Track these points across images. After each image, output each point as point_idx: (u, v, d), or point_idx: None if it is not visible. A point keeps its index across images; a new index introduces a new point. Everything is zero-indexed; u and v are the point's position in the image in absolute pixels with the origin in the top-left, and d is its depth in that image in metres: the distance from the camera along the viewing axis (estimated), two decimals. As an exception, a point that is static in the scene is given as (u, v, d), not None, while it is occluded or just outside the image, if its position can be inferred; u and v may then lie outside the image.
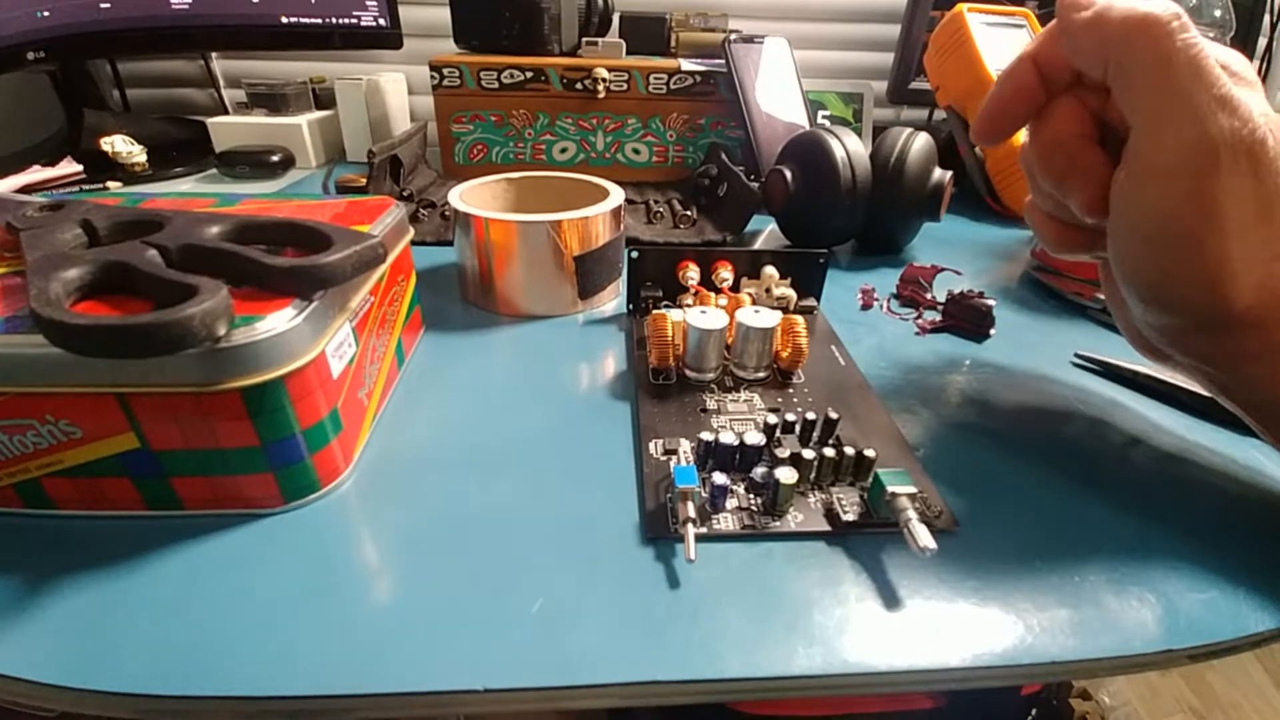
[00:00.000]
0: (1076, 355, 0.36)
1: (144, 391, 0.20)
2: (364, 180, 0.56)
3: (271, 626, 0.20)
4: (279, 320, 0.21)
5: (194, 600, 0.20)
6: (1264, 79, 0.88)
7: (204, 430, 0.21)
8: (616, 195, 0.40)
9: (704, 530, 0.23)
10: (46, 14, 0.59)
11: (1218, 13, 0.61)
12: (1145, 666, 0.21)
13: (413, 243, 0.48)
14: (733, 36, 0.61)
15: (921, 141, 0.46)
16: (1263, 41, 0.84)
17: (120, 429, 0.21)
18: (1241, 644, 0.21)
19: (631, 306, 0.39)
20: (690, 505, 0.22)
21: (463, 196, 0.40)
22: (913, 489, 0.22)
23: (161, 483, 0.22)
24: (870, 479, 0.24)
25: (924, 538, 0.21)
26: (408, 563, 0.22)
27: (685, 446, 0.26)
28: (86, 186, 0.60)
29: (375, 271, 0.27)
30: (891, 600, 0.21)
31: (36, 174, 0.59)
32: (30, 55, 0.58)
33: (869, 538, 0.23)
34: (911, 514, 0.22)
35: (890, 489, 0.22)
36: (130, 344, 0.18)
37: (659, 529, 0.23)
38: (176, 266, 0.23)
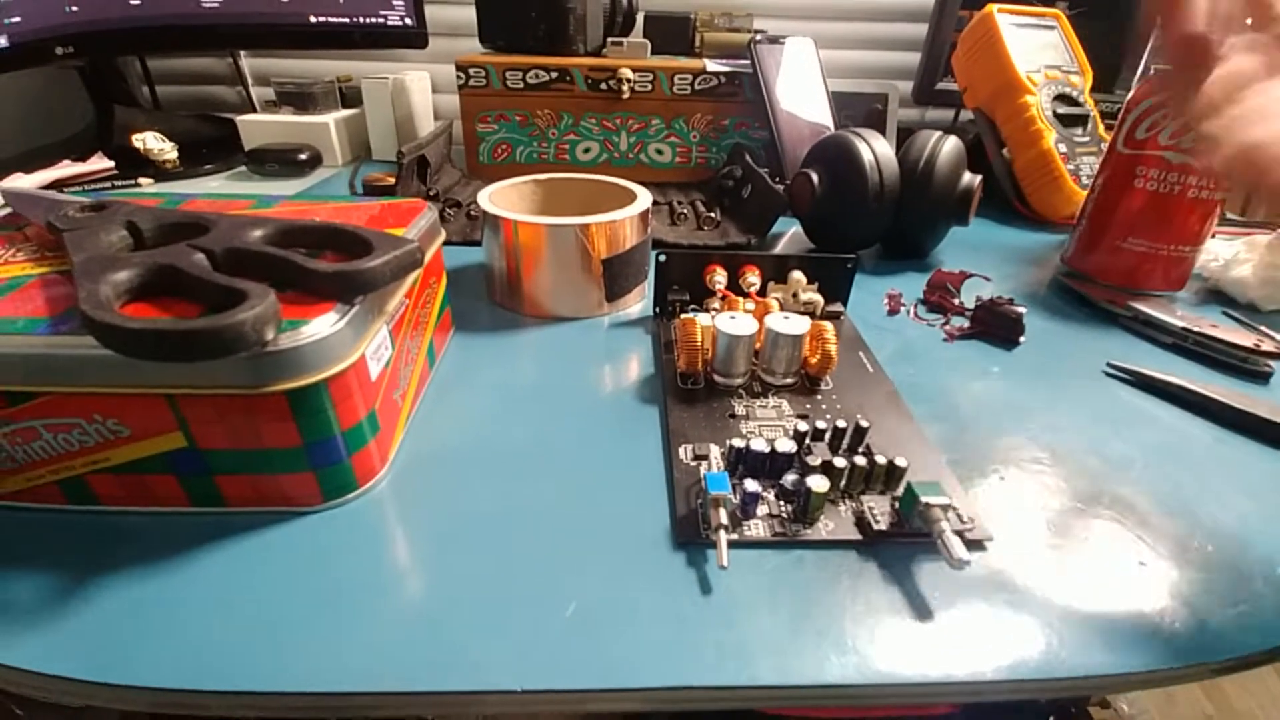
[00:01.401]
0: (1108, 364, 0.36)
1: (193, 393, 0.21)
2: (391, 179, 0.57)
3: (311, 623, 0.20)
4: (323, 324, 0.21)
5: (235, 597, 0.21)
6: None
7: (249, 430, 0.22)
8: (644, 198, 0.40)
9: (735, 536, 0.23)
10: (75, 9, 0.60)
11: (1255, 13, 0.60)
12: (1175, 681, 0.21)
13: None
14: (758, 37, 0.61)
15: (951, 145, 0.46)
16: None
17: (169, 428, 0.22)
18: (1270, 657, 0.21)
19: (658, 309, 0.39)
20: (723, 512, 0.22)
21: (491, 198, 0.40)
22: (946, 500, 0.22)
23: (207, 480, 0.23)
24: (902, 488, 0.24)
25: (958, 550, 0.21)
26: (442, 562, 0.22)
27: (715, 452, 0.27)
28: (119, 183, 0.61)
29: (412, 275, 0.28)
30: (923, 611, 0.21)
31: (67, 169, 0.60)
32: (59, 50, 0.59)
33: (900, 547, 0.23)
34: (945, 525, 0.22)
35: (924, 499, 0.22)
36: (183, 347, 0.19)
37: (690, 534, 0.23)
38: (222, 270, 0.23)
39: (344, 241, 0.25)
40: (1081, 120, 0.58)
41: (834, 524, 0.24)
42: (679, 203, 0.57)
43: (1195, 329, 0.37)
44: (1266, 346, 0.36)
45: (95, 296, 0.21)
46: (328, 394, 0.22)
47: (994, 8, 0.59)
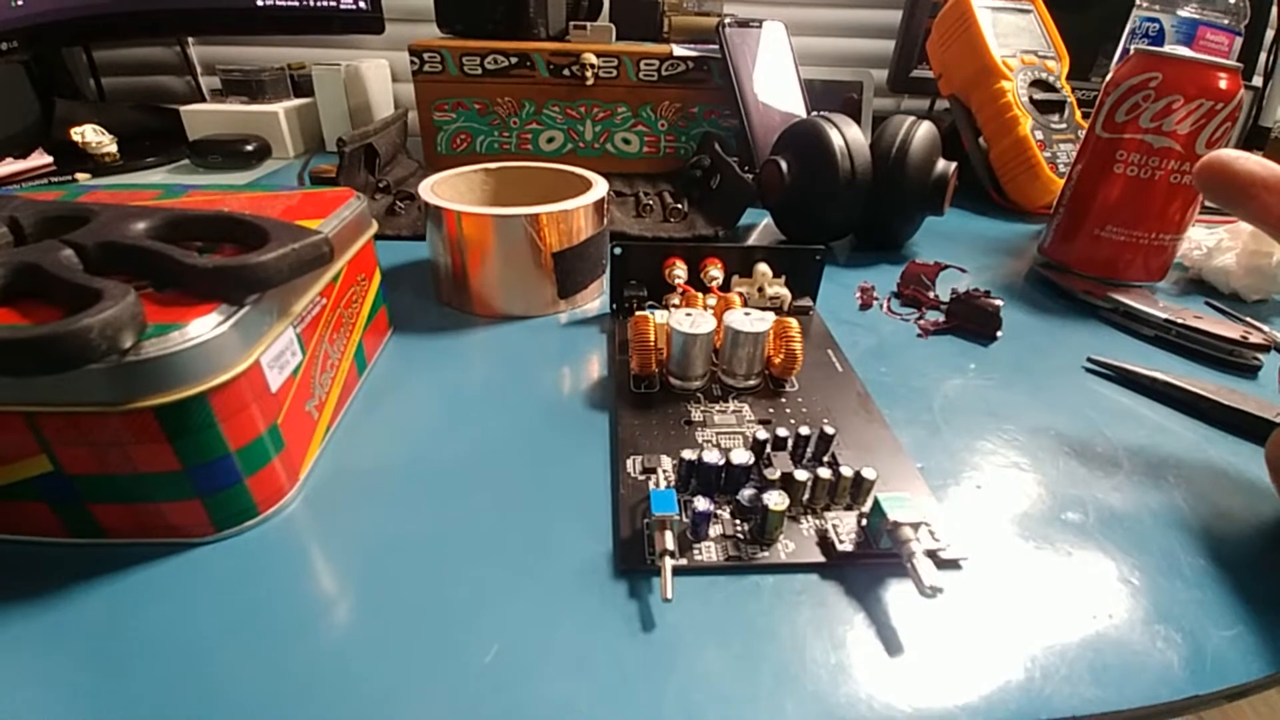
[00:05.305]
0: (1089, 359, 0.34)
1: (50, 410, 0.18)
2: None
3: (194, 670, 0.17)
4: (201, 328, 0.18)
5: (113, 639, 0.18)
6: (1271, 72, 0.85)
7: (118, 453, 0.19)
8: (600, 187, 0.38)
9: (683, 562, 0.20)
10: (20, 3, 0.57)
11: (1231, 0, 0.58)
12: (1170, 715, 0.19)
13: (390, 237, 0.46)
14: (727, 20, 0.58)
15: (925, 130, 0.44)
16: (1270, 34, 0.82)
17: (31, 451, 0.19)
18: (1270, 683, 0.19)
19: (615, 306, 0.36)
20: (668, 535, 0.20)
21: (434, 188, 0.37)
22: (917, 518, 0.20)
23: (80, 509, 0.20)
24: (869, 504, 0.21)
25: (930, 576, 0.18)
26: (351, 599, 0.20)
27: (666, 464, 0.24)
28: (55, 178, 0.57)
29: (322, 272, 0.25)
30: (892, 644, 0.19)
31: (7, 166, 0.57)
32: (3, 45, 0.56)
33: (868, 570, 0.21)
34: (915, 546, 0.19)
35: (892, 517, 0.20)
36: (21, 359, 0.16)
37: (634, 560, 0.21)
38: (95, 267, 0.20)
39: (241, 233, 0.22)
40: (1058, 106, 0.57)
41: (795, 544, 0.21)
42: (646, 194, 0.54)
43: (1178, 320, 0.35)
44: (1253, 338, 0.34)
45: (-46, 302, 0.18)
46: (210, 409, 0.19)
47: (969, -10, 0.57)
